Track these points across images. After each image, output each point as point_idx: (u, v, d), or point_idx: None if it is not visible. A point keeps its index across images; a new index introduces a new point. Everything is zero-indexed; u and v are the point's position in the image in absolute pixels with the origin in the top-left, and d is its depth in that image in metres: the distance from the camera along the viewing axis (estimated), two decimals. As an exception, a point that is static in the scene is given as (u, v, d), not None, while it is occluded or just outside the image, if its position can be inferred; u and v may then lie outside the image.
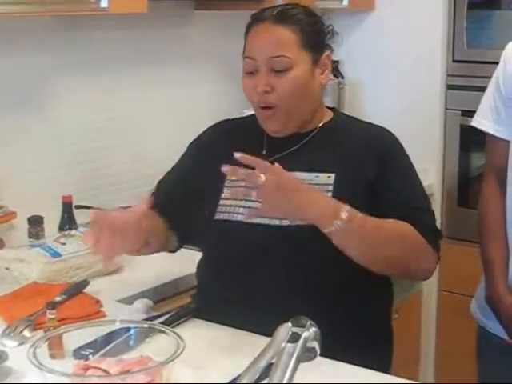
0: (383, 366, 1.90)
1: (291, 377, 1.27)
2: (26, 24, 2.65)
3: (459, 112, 3.47)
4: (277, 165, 1.77)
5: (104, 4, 2.36)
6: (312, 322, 1.34)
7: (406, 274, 1.97)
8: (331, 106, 2.16)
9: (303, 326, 1.33)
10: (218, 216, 1.98)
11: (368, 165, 1.93)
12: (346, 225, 1.75)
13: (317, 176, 1.94)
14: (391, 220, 1.86)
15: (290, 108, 1.94)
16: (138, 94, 3.11)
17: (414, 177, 2.00)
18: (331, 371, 1.66)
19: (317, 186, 1.90)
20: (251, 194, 1.78)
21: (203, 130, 2.19)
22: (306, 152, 1.98)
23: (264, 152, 2.01)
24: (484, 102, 2.13)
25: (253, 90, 1.95)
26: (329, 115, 2.06)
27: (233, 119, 2.19)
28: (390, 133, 2.03)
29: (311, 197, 1.77)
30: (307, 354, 1.33)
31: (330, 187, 1.91)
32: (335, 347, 1.56)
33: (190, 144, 2.19)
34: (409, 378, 1.69)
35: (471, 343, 3.25)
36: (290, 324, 1.30)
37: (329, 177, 1.93)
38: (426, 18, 3.49)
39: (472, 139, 3.46)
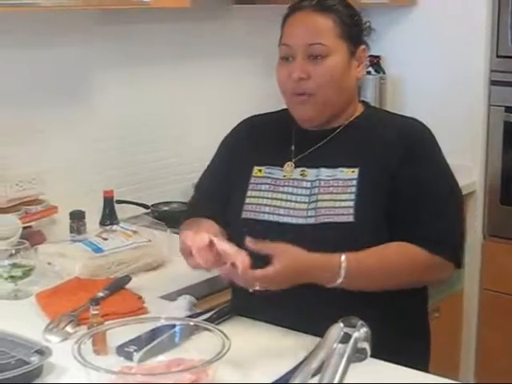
0: (420, 365, 1.88)
1: (342, 378, 1.24)
2: (69, 17, 2.64)
3: (503, 108, 3.41)
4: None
5: (148, -4, 2.33)
6: (363, 322, 1.30)
7: (418, 286, 1.95)
8: (372, 101, 2.13)
9: (354, 326, 1.29)
10: (245, 215, 1.97)
11: (391, 159, 1.89)
12: (347, 278, 1.75)
13: (341, 171, 1.91)
14: (392, 245, 1.84)
15: (325, 97, 1.91)
16: (178, 89, 3.10)
17: (439, 175, 1.93)
18: (380, 372, 1.64)
19: (340, 181, 1.89)
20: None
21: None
22: (332, 148, 1.95)
23: (292, 148, 1.98)
24: None
25: (287, 77, 1.92)
26: (359, 110, 2.01)
27: (263, 114, 2.14)
28: (421, 126, 1.97)
29: (304, 276, 1.76)
30: (357, 355, 1.29)
31: (354, 182, 1.88)
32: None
33: (222, 142, 2.17)
34: (449, 378, 1.67)
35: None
36: (341, 324, 1.26)
37: (353, 171, 1.90)
38: (469, 13, 3.43)
39: (516, 135, 3.41)
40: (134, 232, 2.44)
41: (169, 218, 2.84)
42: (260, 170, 2.00)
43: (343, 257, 1.77)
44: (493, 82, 3.44)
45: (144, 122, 2.99)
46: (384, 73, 3.54)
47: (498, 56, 3.41)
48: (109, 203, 2.66)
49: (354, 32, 1.95)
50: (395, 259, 1.84)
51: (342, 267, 1.76)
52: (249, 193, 1.98)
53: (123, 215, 2.77)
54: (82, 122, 2.79)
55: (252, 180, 2.00)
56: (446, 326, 3.22)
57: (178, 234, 2.61)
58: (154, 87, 3.01)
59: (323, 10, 1.92)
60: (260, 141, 2.03)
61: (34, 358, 1.63)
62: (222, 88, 3.27)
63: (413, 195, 1.87)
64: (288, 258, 1.73)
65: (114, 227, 2.50)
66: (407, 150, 1.89)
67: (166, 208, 3.01)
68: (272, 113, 2.17)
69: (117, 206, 2.72)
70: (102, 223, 2.62)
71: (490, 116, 3.46)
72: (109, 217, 2.64)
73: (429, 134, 1.96)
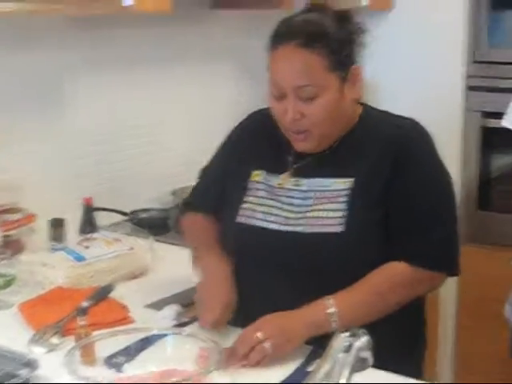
0: (416, 370, 1.89)
1: (345, 387, 1.22)
2: (48, 22, 2.60)
3: (479, 113, 3.41)
4: None
5: (129, 2, 2.30)
6: (364, 331, 1.28)
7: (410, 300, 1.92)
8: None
9: (355, 336, 1.27)
10: (239, 219, 1.95)
11: (385, 167, 1.86)
12: (340, 320, 1.74)
13: (335, 182, 1.88)
14: (378, 273, 1.82)
15: (321, 131, 1.87)
16: (156, 94, 3.06)
17: (432, 182, 1.88)
18: (381, 381, 1.64)
19: (334, 191, 1.87)
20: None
21: (222, 130, 2.15)
22: (329, 159, 1.92)
23: (290, 157, 1.96)
24: None
25: (283, 113, 1.87)
26: (357, 115, 1.96)
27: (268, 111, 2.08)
28: (417, 128, 1.91)
29: (293, 324, 1.74)
30: (359, 364, 1.27)
31: (347, 192, 1.86)
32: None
33: (228, 135, 2.14)
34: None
35: (492, 347, 3.23)
36: (344, 334, 1.24)
37: (345, 182, 1.87)
38: (446, 18, 3.43)
39: (492, 141, 3.41)
40: (116, 240, 2.40)
41: (148, 224, 2.81)
42: (258, 175, 1.98)
43: (331, 301, 1.77)
44: (469, 88, 3.44)
45: (122, 128, 2.96)
46: (360, 78, 3.53)
47: (474, 61, 3.42)
48: (88, 211, 2.63)
49: (344, 57, 1.85)
50: (385, 287, 1.83)
51: (332, 312, 1.76)
52: (246, 198, 1.97)
53: (102, 222, 2.74)
54: (59, 129, 2.75)
55: (250, 185, 1.98)
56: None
57: (160, 241, 2.63)
58: (132, 93, 2.97)
59: (311, 44, 1.80)
60: (261, 141, 2.00)
61: (23, 371, 1.60)
62: (201, 93, 3.24)
63: (402, 206, 1.84)
64: (267, 316, 1.76)
65: (95, 235, 2.46)
66: (398, 156, 1.85)
67: (144, 215, 2.99)
68: None
69: (96, 214, 2.68)
70: (82, 231, 2.58)
71: (467, 121, 3.46)
72: (88, 224, 2.61)
73: (421, 136, 1.91)
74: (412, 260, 1.83)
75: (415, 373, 1.82)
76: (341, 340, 1.24)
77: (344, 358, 1.24)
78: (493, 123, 3.29)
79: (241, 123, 2.13)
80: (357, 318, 1.73)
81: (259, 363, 1.68)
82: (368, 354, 1.28)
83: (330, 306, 1.76)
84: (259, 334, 1.70)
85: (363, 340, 1.27)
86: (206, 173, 2.19)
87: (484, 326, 3.35)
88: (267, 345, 1.69)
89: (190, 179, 3.07)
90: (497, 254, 3.30)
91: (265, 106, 1.99)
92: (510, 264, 3.10)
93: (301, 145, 1.91)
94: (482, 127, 3.42)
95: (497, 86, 3.32)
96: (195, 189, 2.22)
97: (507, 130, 2.06)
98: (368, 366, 1.28)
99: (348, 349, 1.25)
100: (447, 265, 1.89)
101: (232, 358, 1.69)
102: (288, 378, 1.65)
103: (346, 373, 1.23)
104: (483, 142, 3.44)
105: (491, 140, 3.42)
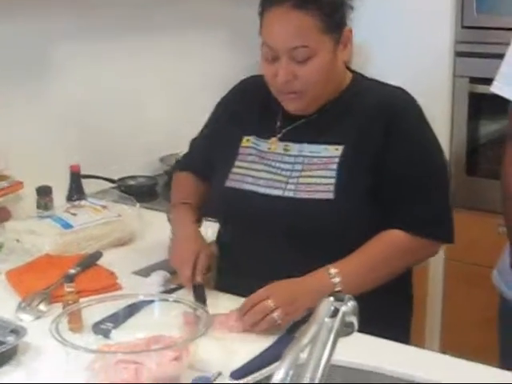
0: (403, 335, 1.91)
1: (331, 352, 1.22)
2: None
3: (468, 79, 3.39)
4: None
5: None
6: (350, 296, 1.28)
7: (411, 265, 1.97)
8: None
9: (342, 300, 1.27)
10: (229, 183, 1.96)
11: (375, 135, 1.85)
12: (345, 288, 1.74)
13: (325, 148, 1.88)
14: (375, 241, 1.84)
15: (314, 92, 1.86)
16: (138, 61, 3.03)
17: (423, 153, 1.88)
18: (367, 346, 1.65)
19: (324, 158, 1.86)
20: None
21: (212, 98, 2.14)
22: (318, 123, 1.92)
23: (278, 121, 1.96)
24: (505, 67, 2.04)
25: (273, 77, 1.86)
26: (346, 81, 1.95)
27: (260, 77, 2.03)
28: (406, 96, 1.91)
29: (302, 294, 1.74)
30: (345, 329, 1.27)
31: (337, 159, 1.85)
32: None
33: (219, 102, 2.14)
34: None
35: (479, 313, 3.25)
36: (331, 298, 1.24)
37: (336, 149, 1.87)
38: (434, -17, 3.41)
39: (481, 107, 3.40)
40: (103, 207, 2.40)
41: (136, 192, 2.81)
42: (248, 140, 1.98)
43: (333, 270, 1.78)
44: (458, 53, 3.42)
45: (109, 96, 2.93)
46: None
47: (462, 27, 3.39)
48: (75, 178, 2.60)
49: (337, 19, 1.85)
50: (386, 254, 1.84)
51: (336, 276, 1.78)
52: (236, 162, 1.96)
53: (90, 190, 2.72)
54: (43, 96, 2.72)
55: (240, 150, 1.98)
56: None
57: (148, 208, 2.63)
58: (115, 61, 2.93)
59: (304, 6, 1.78)
60: (252, 107, 2.00)
61: (10, 338, 1.60)
62: (188, 62, 3.21)
63: (396, 175, 1.84)
64: (277, 282, 1.76)
65: (83, 202, 2.45)
66: (388, 123, 1.84)
67: (132, 182, 2.99)
68: None
69: (83, 181, 2.66)
70: (69, 198, 2.56)
71: (455, 87, 3.45)
72: (76, 192, 2.59)
73: (413, 106, 1.90)
74: (409, 228, 1.83)
75: (402, 337, 1.83)
76: (327, 305, 1.24)
77: (330, 322, 1.24)
78: (481, 89, 3.28)
79: (232, 89, 2.12)
80: (361, 286, 1.74)
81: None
82: (354, 319, 1.28)
83: (334, 275, 1.77)
84: (270, 302, 1.70)
85: (349, 305, 1.27)
86: (197, 138, 2.20)
87: (471, 292, 3.37)
88: (276, 315, 1.69)
89: (178, 146, 3.08)
90: (484, 219, 3.31)
91: (256, 74, 1.99)
92: (497, 230, 3.12)
93: (291, 105, 1.90)
94: (470, 93, 3.40)
95: (485, 52, 3.29)
96: (186, 152, 2.27)
97: (495, 96, 2.05)
98: (354, 331, 1.28)
99: (334, 313, 1.25)
100: (443, 233, 1.89)
101: (230, 321, 1.71)
102: (274, 343, 1.65)
103: (331, 337, 1.22)
104: (471, 108, 3.42)
105: (479, 106, 3.41)
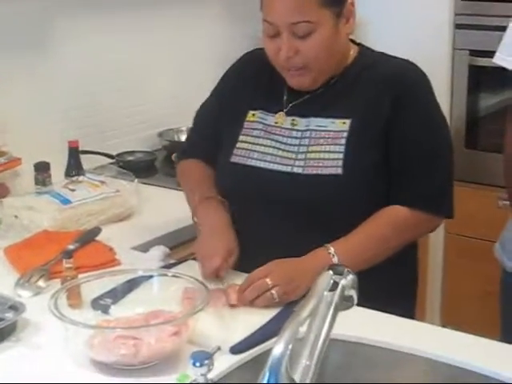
0: (406, 311, 1.88)
1: (330, 326, 1.22)
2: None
3: (467, 52, 3.37)
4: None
5: None
6: (349, 269, 1.28)
7: (414, 240, 1.96)
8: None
9: (341, 274, 1.26)
10: (234, 159, 1.94)
11: (384, 108, 1.83)
12: (343, 262, 1.71)
13: (332, 122, 1.86)
14: (376, 219, 1.83)
15: (317, 66, 1.84)
16: (140, 36, 3.01)
17: (433, 125, 1.87)
18: (366, 320, 1.64)
19: (331, 132, 1.85)
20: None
21: (213, 72, 2.12)
22: (324, 97, 1.90)
23: (285, 95, 1.93)
24: (508, 38, 2.01)
25: (276, 52, 1.83)
26: (353, 55, 1.93)
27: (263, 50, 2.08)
28: (415, 69, 1.89)
29: (301, 273, 1.72)
30: (345, 303, 1.27)
31: (345, 134, 1.84)
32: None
33: (223, 76, 2.10)
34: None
35: (479, 286, 3.25)
36: (330, 272, 1.23)
37: (344, 123, 1.85)
38: (434, -45, 3.38)
39: (480, 80, 3.39)
40: (102, 182, 2.39)
41: (134, 167, 2.80)
42: (254, 115, 1.96)
43: (332, 249, 1.77)
44: (457, 26, 3.40)
45: (106, 70, 2.92)
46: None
47: (462, -1, 3.38)
48: (74, 154, 2.59)
49: None
50: (386, 231, 1.83)
51: (332, 252, 1.77)
52: (241, 137, 1.94)
53: (88, 166, 2.70)
54: (41, 71, 2.70)
55: (245, 124, 1.96)
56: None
57: (146, 184, 2.62)
58: (114, 35, 2.91)
59: None
60: (257, 81, 1.98)
61: (9, 314, 1.59)
62: (185, 36, 3.19)
63: (402, 149, 1.83)
64: (276, 261, 1.75)
65: (81, 178, 2.44)
66: (398, 96, 1.82)
67: (131, 158, 2.98)
68: None
69: (82, 157, 2.64)
70: (68, 174, 2.55)
71: (455, 60, 3.43)
72: (74, 168, 2.57)
73: (422, 80, 1.89)
74: (412, 203, 1.83)
75: (406, 311, 1.82)
76: (326, 278, 1.23)
77: (329, 296, 1.23)
78: (481, 62, 3.27)
79: (234, 64, 2.10)
80: (361, 263, 1.72)
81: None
82: (353, 293, 1.28)
83: (334, 254, 1.76)
84: (268, 280, 1.69)
85: (349, 278, 1.27)
86: (199, 119, 2.15)
87: (471, 266, 3.37)
88: (274, 293, 1.69)
89: (178, 121, 3.08)
90: (483, 193, 3.31)
91: (259, 47, 1.97)
92: (497, 203, 3.11)
93: (296, 81, 1.88)
94: (470, 66, 3.38)
95: (485, 24, 3.27)
96: (190, 136, 2.22)
97: (495, 69, 2.03)
98: (353, 305, 1.28)
99: (333, 287, 1.25)
100: (445, 208, 1.89)
101: (228, 296, 1.71)
102: (273, 318, 1.65)
103: (331, 311, 1.22)
104: (471, 81, 3.41)
105: (479, 79, 3.39)
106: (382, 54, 1.95)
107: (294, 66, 1.84)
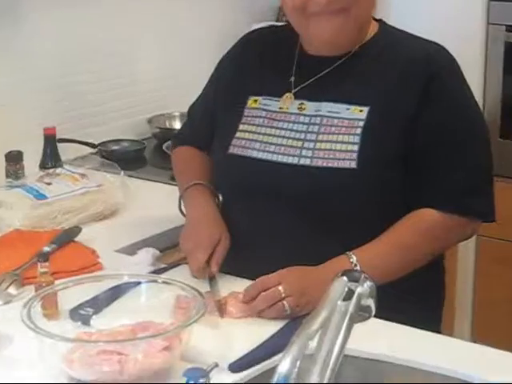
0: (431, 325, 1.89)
1: (344, 341, 1.21)
2: None
3: (503, 27, 3.37)
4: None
5: None
6: (367, 276, 1.27)
7: (445, 249, 1.96)
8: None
9: (357, 281, 1.26)
10: (232, 150, 1.94)
11: (409, 96, 1.83)
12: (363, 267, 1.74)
13: (347, 109, 1.86)
14: (403, 225, 1.83)
15: (357, 13, 1.83)
16: (124, 14, 3.02)
17: (466, 116, 1.87)
18: (385, 333, 1.64)
19: (346, 120, 1.85)
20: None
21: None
22: (339, 79, 1.90)
23: (292, 76, 1.94)
24: None
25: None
26: (373, 31, 1.93)
27: (266, 29, 2.08)
28: (443, 52, 1.90)
29: (317, 285, 1.69)
30: (361, 314, 1.27)
31: (361, 123, 1.83)
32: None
33: (219, 62, 2.12)
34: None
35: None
36: (345, 278, 1.23)
37: (361, 111, 1.85)
38: None
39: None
40: (82, 175, 2.40)
41: (120, 158, 2.80)
42: (255, 101, 1.96)
43: (354, 258, 1.77)
44: (492, -3, 3.41)
45: (87, 49, 2.92)
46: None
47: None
48: (50, 142, 2.60)
49: None
50: (414, 239, 1.83)
51: (353, 259, 1.77)
52: (241, 126, 1.95)
53: (67, 156, 2.73)
54: (14, 51, 2.71)
55: (246, 112, 1.96)
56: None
57: (134, 177, 2.63)
58: (96, 10, 2.92)
59: None
60: (258, 64, 1.99)
61: (-24, 325, 1.60)
62: (179, 11, 3.19)
63: (430, 141, 1.83)
64: (290, 268, 1.75)
65: (58, 170, 2.45)
66: (426, 82, 1.82)
67: (115, 147, 3.00)
68: (276, 27, 2.13)
69: (59, 146, 2.66)
70: (43, 166, 2.57)
71: (489, 36, 3.43)
72: (51, 158, 2.59)
73: (451, 64, 1.89)
74: (443, 205, 1.82)
75: (431, 324, 1.82)
76: (340, 285, 1.23)
77: (343, 306, 1.23)
78: (519, 38, 3.28)
79: (234, 45, 2.11)
80: (384, 276, 1.73)
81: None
82: (371, 302, 1.27)
83: (356, 264, 1.77)
84: (281, 289, 1.70)
85: (366, 286, 1.26)
86: (195, 104, 2.18)
87: (505, 272, 3.37)
88: (286, 304, 1.69)
89: (170, 106, 3.09)
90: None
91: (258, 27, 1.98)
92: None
93: (323, 27, 1.84)
94: (506, 43, 3.38)
95: (523, -4, 3.29)
96: (184, 124, 2.26)
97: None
98: (370, 316, 1.28)
99: (348, 296, 1.24)
100: (482, 210, 1.88)
101: (229, 305, 1.71)
102: (278, 331, 1.65)
103: (345, 323, 1.22)
104: (507, 61, 3.41)
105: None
106: (406, 32, 1.95)
107: (332, 7, 1.81)
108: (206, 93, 2.14)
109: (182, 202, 2.02)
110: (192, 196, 2.00)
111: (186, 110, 2.22)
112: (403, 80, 1.85)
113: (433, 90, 1.83)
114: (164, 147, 2.80)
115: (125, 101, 3.06)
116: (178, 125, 3.05)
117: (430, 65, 1.86)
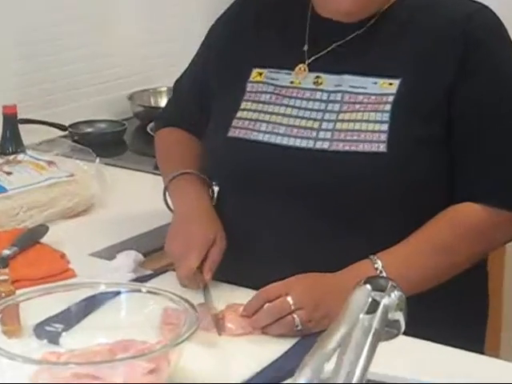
0: (476, 335, 1.93)
1: (368, 362, 1.21)
2: None
3: None
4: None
5: None
6: (394, 284, 1.27)
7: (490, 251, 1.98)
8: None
9: (382, 290, 1.26)
10: (233, 133, 1.94)
11: (447, 64, 1.84)
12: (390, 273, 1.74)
13: (375, 82, 1.87)
14: (439, 221, 1.83)
15: None
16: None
17: (510, 86, 1.89)
18: (416, 353, 1.64)
19: (373, 96, 1.85)
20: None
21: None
22: (362, 47, 1.91)
23: (306, 45, 1.94)
24: None
25: None
26: None
27: None
28: (485, 12, 1.89)
29: (335, 295, 1.69)
30: (388, 330, 1.27)
31: (391, 98, 1.84)
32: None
33: (211, 27, 2.13)
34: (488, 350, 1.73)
35: None
36: (369, 287, 1.23)
37: (391, 84, 1.85)
38: None
39: None
40: (49, 163, 2.42)
41: (95, 142, 2.82)
42: (260, 74, 1.97)
43: (379, 263, 1.78)
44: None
45: (52, 10, 2.94)
46: None
47: None
48: (10, 123, 2.63)
49: None
50: (453, 239, 1.83)
51: (378, 263, 1.78)
52: (243, 104, 1.95)
53: (30, 140, 2.74)
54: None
55: (249, 87, 1.96)
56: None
57: (111, 165, 2.63)
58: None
59: None
60: (263, 31, 1.99)
61: None
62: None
63: (471, 120, 1.84)
64: (301, 276, 1.76)
65: (20, 157, 2.47)
66: (467, 49, 1.83)
67: (89, 129, 3.03)
68: None
69: (21, 128, 2.68)
70: (2, 152, 2.59)
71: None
72: (11, 143, 2.62)
73: (495, 26, 1.89)
74: (488, 199, 1.83)
75: (473, 342, 1.82)
76: (362, 296, 1.23)
77: (367, 320, 1.23)
78: None
79: (231, 6, 2.11)
80: (416, 284, 1.74)
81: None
82: (400, 316, 1.28)
83: (381, 271, 1.76)
84: (291, 300, 1.69)
85: (394, 296, 1.27)
86: (183, 77, 2.19)
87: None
88: (297, 318, 1.69)
89: (155, 80, 3.09)
90: None
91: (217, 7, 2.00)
92: None
93: None
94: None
95: None
96: (169, 102, 2.28)
97: None
98: (399, 333, 1.28)
99: (373, 308, 1.25)
100: None
101: (228, 320, 1.71)
102: (288, 351, 1.65)
103: (368, 341, 1.22)
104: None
105: None
106: None
107: None
108: (196, 63, 2.14)
109: (167, 195, 2.03)
110: (180, 187, 2.01)
111: (172, 89, 2.23)
112: (440, 46, 1.86)
113: (475, 57, 1.84)
114: (148, 129, 2.82)
115: (100, 73, 3.08)
116: (164, 102, 3.05)
117: (468, 27, 1.86)
